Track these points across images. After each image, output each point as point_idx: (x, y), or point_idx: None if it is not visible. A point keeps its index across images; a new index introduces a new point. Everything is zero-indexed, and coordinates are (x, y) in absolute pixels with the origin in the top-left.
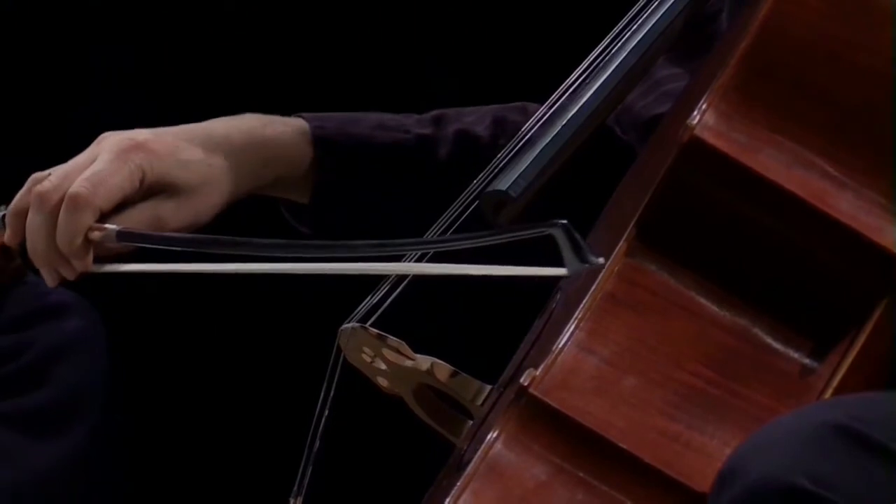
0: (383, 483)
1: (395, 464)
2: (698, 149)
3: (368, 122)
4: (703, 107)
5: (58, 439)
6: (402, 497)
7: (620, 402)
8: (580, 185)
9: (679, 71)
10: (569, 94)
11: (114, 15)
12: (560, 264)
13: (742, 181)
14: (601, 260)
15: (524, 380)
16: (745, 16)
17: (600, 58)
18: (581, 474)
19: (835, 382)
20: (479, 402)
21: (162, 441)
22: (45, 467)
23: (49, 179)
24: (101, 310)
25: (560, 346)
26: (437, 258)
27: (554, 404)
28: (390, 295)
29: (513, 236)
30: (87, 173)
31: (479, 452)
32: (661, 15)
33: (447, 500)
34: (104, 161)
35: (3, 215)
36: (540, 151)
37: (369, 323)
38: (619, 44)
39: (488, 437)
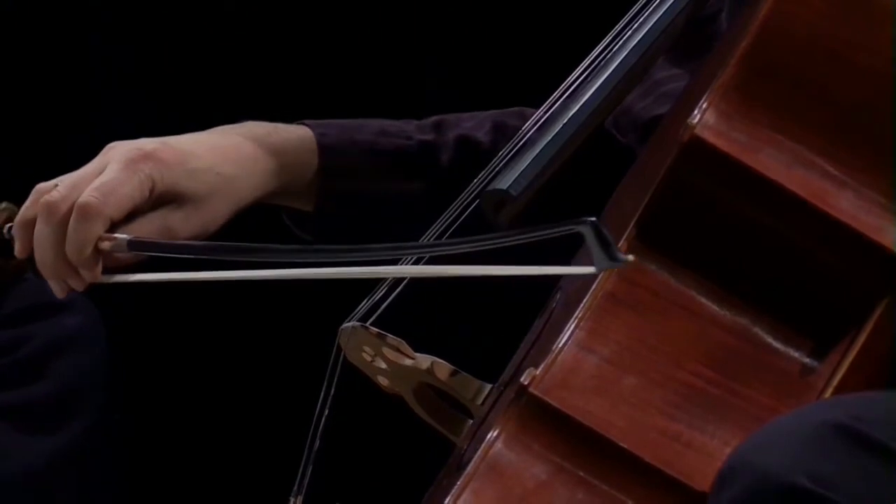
0: (383, 482)
1: (395, 463)
2: (699, 148)
3: (371, 128)
4: (704, 106)
5: (52, 435)
6: (402, 496)
7: (621, 401)
8: (580, 186)
9: (678, 72)
10: (569, 94)
11: (114, 15)
12: (575, 262)
13: (742, 181)
14: (631, 257)
15: (524, 379)
16: (745, 15)
17: (601, 57)
18: (581, 474)
19: (835, 382)
20: (480, 401)
21: (162, 439)
22: (38, 462)
23: (57, 189)
24: (101, 307)
25: (560, 345)
26: (458, 259)
27: (554, 403)
28: (391, 294)
29: (540, 235)
30: (97, 183)
31: (479, 452)
32: (662, 14)
33: (447, 499)
34: (114, 171)
35: (10, 227)
36: (540, 151)
37: (369, 322)
38: (620, 43)
39: (488, 436)
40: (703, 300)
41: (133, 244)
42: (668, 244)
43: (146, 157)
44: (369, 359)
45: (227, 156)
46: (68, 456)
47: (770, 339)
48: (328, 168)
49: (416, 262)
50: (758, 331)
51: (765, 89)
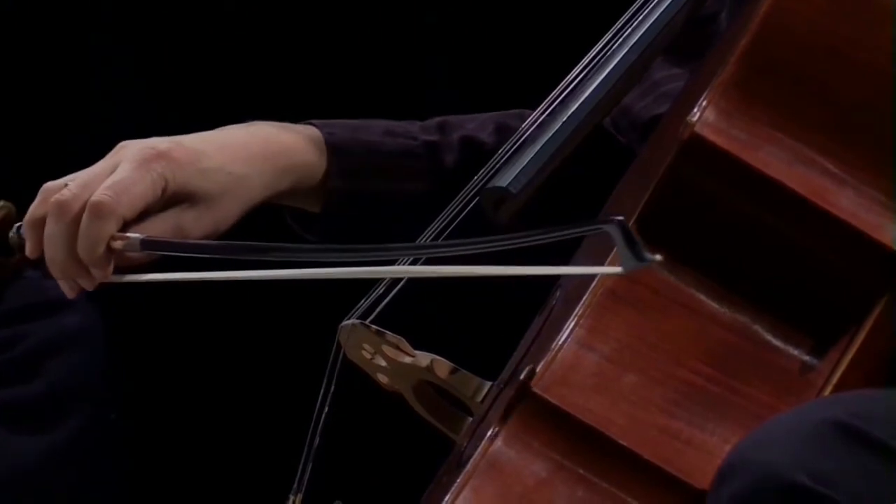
0: (383, 480)
1: (395, 461)
2: (698, 146)
3: (377, 128)
4: (704, 104)
5: (47, 434)
6: (402, 494)
7: (621, 399)
8: (580, 184)
9: (678, 71)
10: (569, 91)
11: (114, 15)
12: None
13: (742, 178)
14: (658, 257)
15: (524, 376)
16: (745, 13)
17: (600, 54)
18: (581, 471)
19: (834, 379)
20: (479, 398)
21: (161, 437)
22: (31, 461)
23: (69, 188)
24: (101, 306)
25: (560, 342)
26: (472, 259)
27: (554, 401)
28: (390, 292)
29: (566, 234)
30: (109, 182)
31: (479, 449)
32: (661, 12)
33: (447, 496)
34: (127, 170)
35: (19, 225)
36: (540, 148)
37: (369, 319)
38: (620, 41)
39: (488, 433)
40: (703, 298)
41: (146, 243)
42: (668, 242)
43: (159, 156)
44: (369, 356)
45: (237, 155)
46: (63, 454)
47: (770, 337)
48: (336, 167)
49: (431, 262)
50: (758, 328)
51: (765, 87)
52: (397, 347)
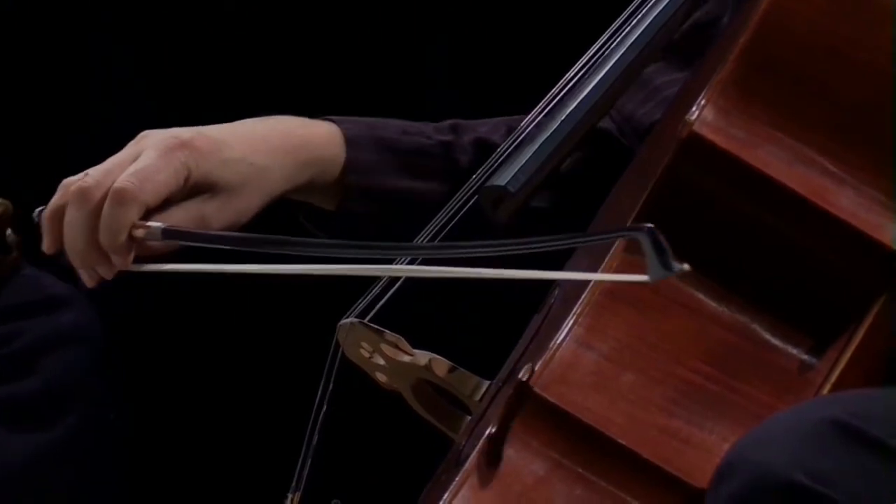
0: (382, 478)
1: (393, 459)
2: (697, 144)
3: (393, 126)
4: (702, 102)
5: (41, 431)
6: (400, 492)
7: (619, 398)
8: (581, 184)
9: (679, 76)
10: (567, 90)
11: (114, 15)
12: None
13: (741, 177)
14: (686, 266)
15: (523, 375)
16: (744, 12)
17: (598, 53)
18: (580, 470)
19: (833, 378)
20: (478, 397)
21: (159, 436)
22: (25, 458)
23: (91, 175)
24: (99, 304)
25: (559, 341)
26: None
27: (553, 400)
28: (389, 290)
29: (594, 240)
30: (132, 169)
31: (477, 448)
32: (659, 11)
33: (445, 495)
34: (150, 158)
35: (41, 209)
36: (538, 147)
37: (368, 318)
38: (618, 39)
39: (486, 432)
40: (702, 297)
41: (167, 233)
42: (667, 241)
43: (182, 145)
44: (367, 355)
45: (258, 147)
46: (60, 452)
47: (769, 337)
48: (354, 162)
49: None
50: (757, 328)
51: (764, 86)
52: (396, 346)
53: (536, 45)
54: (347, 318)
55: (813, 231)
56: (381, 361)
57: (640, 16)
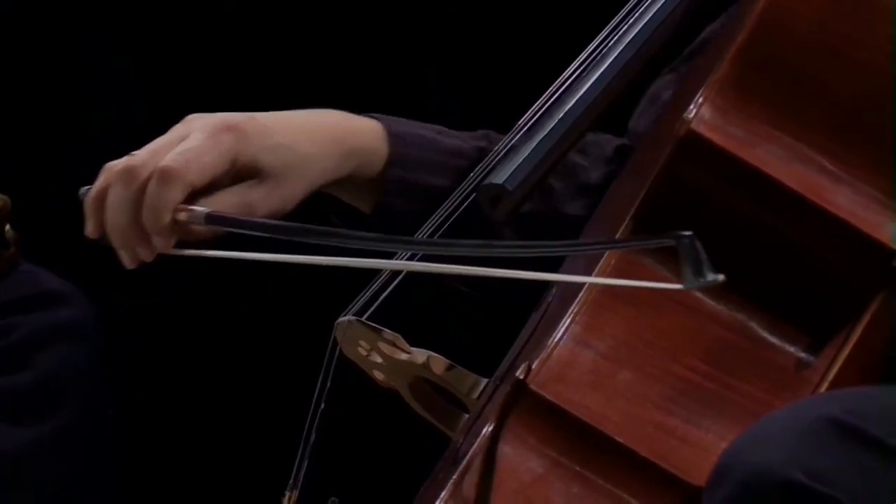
0: (379, 476)
1: (391, 457)
2: (695, 143)
3: (429, 127)
4: (700, 101)
5: (34, 424)
6: (398, 490)
7: (616, 395)
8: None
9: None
10: (565, 89)
11: (114, 15)
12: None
13: (739, 176)
14: (721, 277)
15: (520, 373)
16: (742, 10)
17: (596, 52)
18: (577, 468)
19: (830, 376)
20: (475, 395)
21: (157, 433)
22: (16, 451)
23: (137, 155)
24: (98, 303)
25: (556, 339)
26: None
27: (550, 398)
28: (386, 288)
29: (632, 245)
30: (180, 148)
31: (474, 446)
32: (657, 10)
33: (443, 493)
34: (197, 139)
35: (87, 189)
36: (536, 145)
37: (365, 316)
38: (616, 38)
39: (484, 430)
40: (700, 295)
41: (211, 218)
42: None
43: (230, 128)
44: (365, 353)
45: (305, 134)
46: (53, 445)
47: (766, 335)
48: (397, 156)
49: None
50: (754, 326)
51: (762, 84)
52: (393, 344)
53: (536, 44)
54: (345, 316)
55: (811, 229)
56: (379, 359)
57: (637, 14)
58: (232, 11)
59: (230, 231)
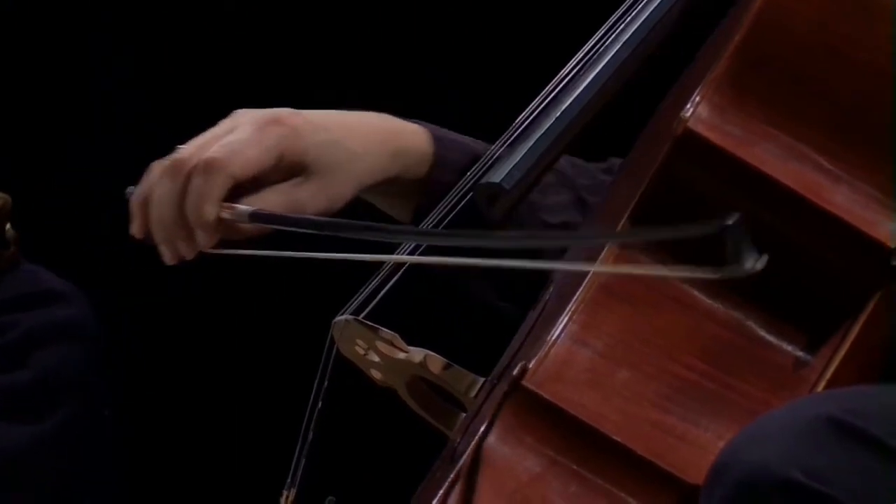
0: (377, 475)
1: (388, 456)
2: (692, 141)
3: (462, 136)
4: (697, 99)
5: (33, 422)
6: (395, 489)
7: (614, 394)
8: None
9: None
10: (562, 87)
11: (114, 15)
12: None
13: (736, 174)
14: (760, 264)
15: (517, 372)
16: (739, 9)
17: (593, 50)
18: (575, 467)
19: (828, 375)
20: (473, 394)
21: (155, 432)
22: (14, 448)
23: (184, 148)
24: (97, 302)
25: (553, 338)
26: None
27: (547, 396)
28: (384, 287)
29: (679, 233)
30: (224, 141)
31: (472, 445)
32: (654, 8)
33: (440, 491)
34: (243, 132)
35: (132, 189)
36: (533, 144)
37: (363, 315)
38: (612, 36)
39: (481, 429)
40: (697, 293)
41: (255, 216)
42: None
43: (278, 122)
44: (362, 352)
45: (354, 133)
46: (52, 443)
47: (763, 333)
48: (442, 159)
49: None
50: (751, 324)
51: (759, 83)
52: (391, 343)
53: (536, 44)
54: (342, 315)
55: (808, 228)
56: (376, 358)
57: (634, 13)
58: (232, 11)
59: (275, 229)
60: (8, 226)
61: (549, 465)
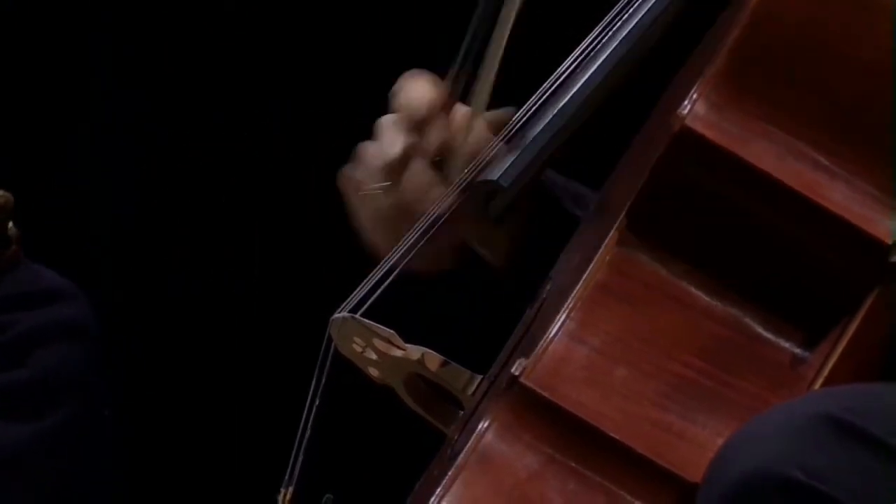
0: (374, 473)
1: (386, 454)
2: (689, 139)
3: None
4: (694, 97)
5: (32, 421)
6: (393, 487)
7: (612, 392)
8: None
9: None
10: (559, 85)
11: (114, 15)
12: None
13: (733, 171)
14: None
15: (515, 369)
16: (736, 7)
17: (591, 48)
18: (573, 464)
19: (825, 372)
20: (470, 391)
21: (154, 431)
22: (15, 445)
23: None
24: (96, 301)
25: (551, 335)
26: None
27: (545, 394)
28: (381, 285)
29: None
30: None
31: (469, 442)
32: (652, 6)
33: (438, 489)
34: None
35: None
36: (531, 142)
37: (360, 313)
38: (609, 34)
39: (479, 426)
40: (695, 291)
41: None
42: (660, 235)
43: None
44: (360, 350)
45: None
46: (52, 442)
47: (762, 330)
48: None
49: None
50: (749, 322)
51: (756, 80)
52: (388, 341)
53: (536, 44)
54: (340, 312)
55: (806, 225)
56: (374, 356)
57: (631, 10)
58: (232, 11)
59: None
60: (10, 224)
61: (547, 462)
